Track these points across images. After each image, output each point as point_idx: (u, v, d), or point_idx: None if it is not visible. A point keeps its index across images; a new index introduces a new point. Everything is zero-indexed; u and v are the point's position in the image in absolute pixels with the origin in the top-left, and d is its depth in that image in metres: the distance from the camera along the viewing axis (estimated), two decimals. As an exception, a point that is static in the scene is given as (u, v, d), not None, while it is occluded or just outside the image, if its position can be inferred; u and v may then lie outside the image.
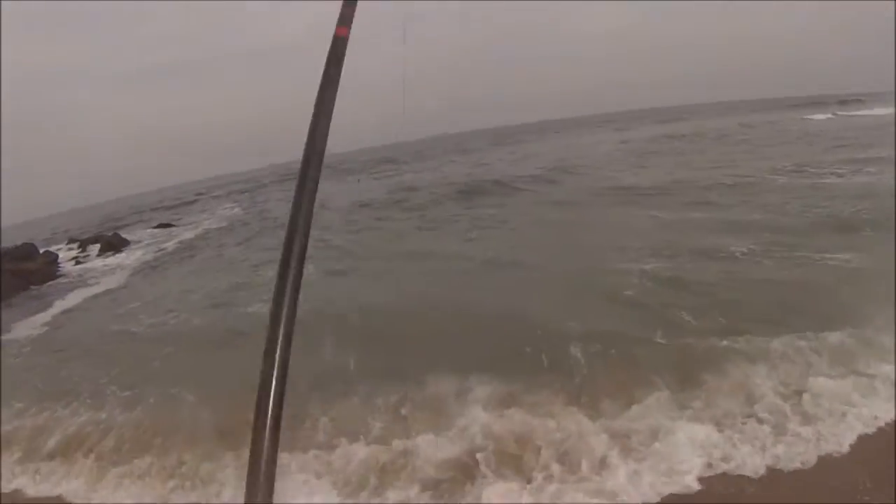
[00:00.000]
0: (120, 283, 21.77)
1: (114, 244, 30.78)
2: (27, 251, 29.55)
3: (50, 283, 25.48)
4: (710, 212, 16.40)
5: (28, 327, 17.17)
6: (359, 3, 1.56)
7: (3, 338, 16.28)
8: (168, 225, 36.68)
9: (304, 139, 1.46)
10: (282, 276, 1.22)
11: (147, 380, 10.10)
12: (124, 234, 34.00)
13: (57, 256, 30.57)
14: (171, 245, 28.67)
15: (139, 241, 32.24)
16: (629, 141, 45.43)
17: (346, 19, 1.52)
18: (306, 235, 1.30)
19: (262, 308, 13.39)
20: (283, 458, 6.42)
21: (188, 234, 30.84)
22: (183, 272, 21.33)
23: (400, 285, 13.47)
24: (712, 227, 14.46)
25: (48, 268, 27.88)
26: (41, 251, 30.61)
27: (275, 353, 1.13)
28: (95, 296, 20.33)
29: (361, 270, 15.92)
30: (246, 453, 1.13)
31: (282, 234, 1.33)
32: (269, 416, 1.10)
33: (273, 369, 1.13)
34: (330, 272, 15.22)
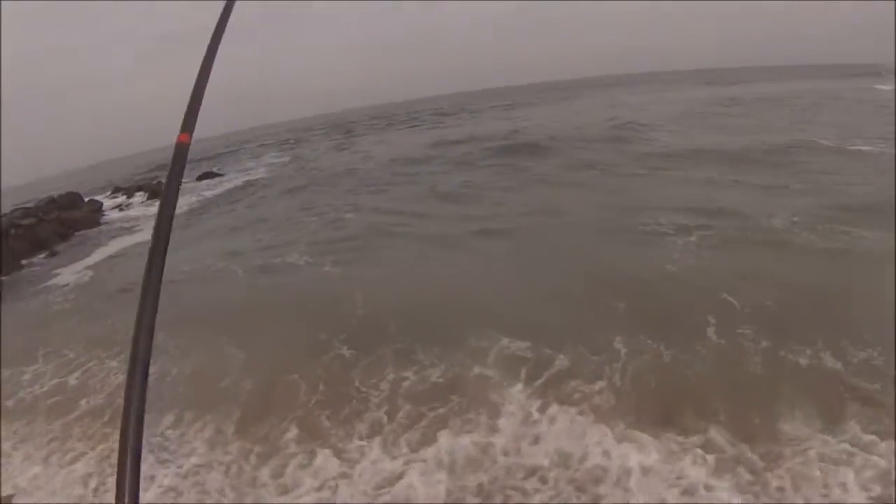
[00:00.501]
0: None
1: (159, 192, 29.98)
2: (72, 200, 29.26)
3: (95, 229, 24.87)
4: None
5: (73, 273, 16.57)
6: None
7: (49, 283, 15.68)
8: (212, 174, 35.80)
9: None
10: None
11: (189, 328, 9.52)
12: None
13: (101, 205, 30.18)
14: (213, 193, 27.83)
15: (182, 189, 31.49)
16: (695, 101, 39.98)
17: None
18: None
19: (303, 259, 13.16)
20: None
21: (232, 184, 29.86)
22: (224, 220, 20.66)
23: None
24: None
25: (93, 216, 27.49)
26: (86, 199, 30.17)
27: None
28: (139, 243, 19.46)
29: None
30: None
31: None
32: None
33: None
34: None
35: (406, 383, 7.26)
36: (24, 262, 20.12)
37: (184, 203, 24.67)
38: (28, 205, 28.97)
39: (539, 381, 6.88)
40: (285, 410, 6.99)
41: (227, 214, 21.86)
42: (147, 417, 1.06)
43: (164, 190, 1.33)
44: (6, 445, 7.36)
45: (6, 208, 28.65)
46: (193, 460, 6.44)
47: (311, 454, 6.22)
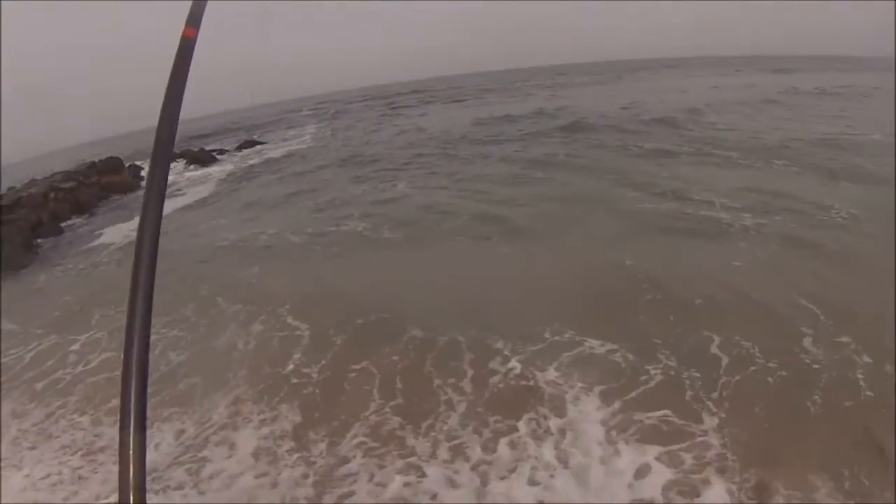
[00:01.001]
0: (206, 195, 20.10)
1: (200, 158, 29.40)
2: (113, 165, 28.72)
3: (136, 193, 24.26)
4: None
5: (117, 234, 15.76)
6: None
7: (94, 243, 14.96)
8: (253, 143, 35.03)
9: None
10: (135, 273, 1.02)
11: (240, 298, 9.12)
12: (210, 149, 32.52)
13: (142, 170, 29.54)
14: (256, 161, 26.98)
15: (223, 157, 30.75)
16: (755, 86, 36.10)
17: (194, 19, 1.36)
18: (157, 232, 1.06)
19: (351, 224, 12.65)
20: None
21: (275, 153, 28.93)
22: (267, 189, 19.70)
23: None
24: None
25: (134, 181, 26.91)
26: (127, 165, 29.63)
27: (132, 350, 0.97)
28: (182, 208, 18.69)
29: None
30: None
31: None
32: (133, 413, 0.94)
33: (132, 367, 0.96)
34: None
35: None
36: (63, 224, 19.61)
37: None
38: (70, 169, 28.66)
39: (623, 402, 5.65)
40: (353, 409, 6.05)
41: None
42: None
43: (165, 94, 1.13)
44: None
45: (46, 172, 28.30)
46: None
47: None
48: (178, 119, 1.17)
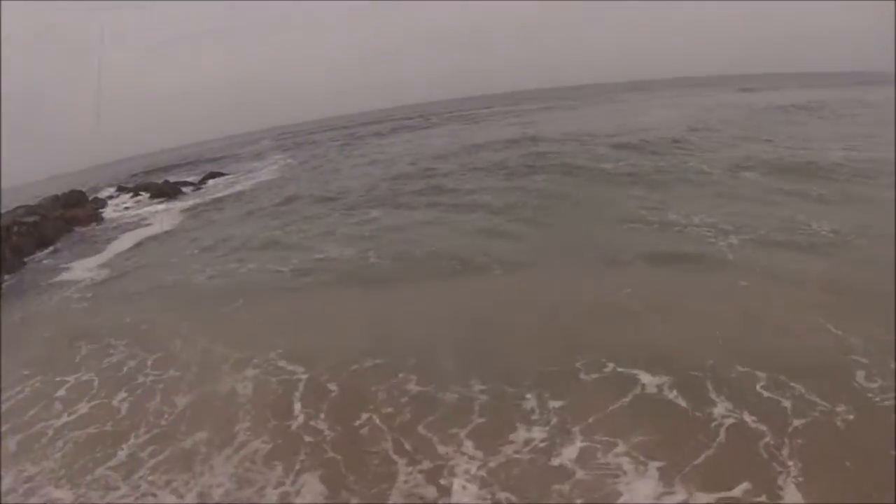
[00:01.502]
0: (171, 227, 20.47)
1: (165, 191, 29.56)
2: (76, 198, 28.82)
3: (100, 226, 24.40)
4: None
5: (83, 269, 15.93)
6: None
7: (61, 277, 15.20)
8: (218, 174, 35.34)
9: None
10: None
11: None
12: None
13: (105, 203, 29.70)
14: (219, 193, 27.29)
15: (187, 189, 30.95)
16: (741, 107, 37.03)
17: None
18: None
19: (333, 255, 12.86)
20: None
21: (239, 186, 29.26)
22: (231, 222, 20.03)
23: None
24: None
25: (97, 213, 26.99)
26: (90, 198, 29.69)
27: None
28: (148, 237, 19.01)
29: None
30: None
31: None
32: None
33: None
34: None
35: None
36: (26, 259, 19.66)
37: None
38: (31, 203, 28.56)
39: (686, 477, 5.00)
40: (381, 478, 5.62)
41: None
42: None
43: None
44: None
45: (8, 206, 28.14)
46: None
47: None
48: None
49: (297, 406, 6.96)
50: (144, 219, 23.79)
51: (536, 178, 18.08)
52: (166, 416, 7.20)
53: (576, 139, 25.01)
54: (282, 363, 8.01)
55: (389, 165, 26.40)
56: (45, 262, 18.63)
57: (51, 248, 21.17)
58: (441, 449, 5.78)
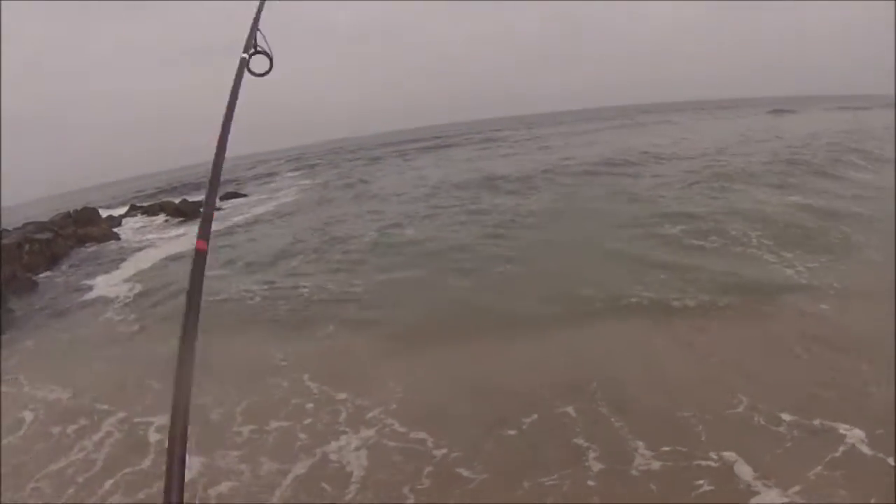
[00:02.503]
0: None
1: (183, 211, 28.12)
2: (89, 215, 27.39)
3: (117, 245, 22.94)
4: None
5: (110, 286, 14.56)
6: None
7: (87, 296, 13.73)
8: (236, 195, 34.06)
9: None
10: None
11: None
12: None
13: (119, 222, 28.35)
14: (243, 215, 25.86)
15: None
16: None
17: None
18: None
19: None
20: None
21: (258, 208, 27.83)
22: (247, 241, 18.85)
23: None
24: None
25: (111, 232, 25.59)
26: (104, 216, 28.31)
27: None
28: (171, 257, 17.69)
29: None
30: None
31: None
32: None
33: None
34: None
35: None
36: (41, 275, 18.23)
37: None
38: (42, 219, 27.21)
39: None
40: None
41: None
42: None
43: (188, 295, 1.31)
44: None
45: (18, 223, 26.69)
46: None
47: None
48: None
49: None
50: (164, 238, 22.35)
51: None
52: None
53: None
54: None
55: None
56: (62, 279, 17.15)
57: (64, 266, 19.76)
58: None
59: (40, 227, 25.27)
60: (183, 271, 14.93)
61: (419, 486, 5.31)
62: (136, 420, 7.09)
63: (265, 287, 11.97)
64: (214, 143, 1.68)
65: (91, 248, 22.73)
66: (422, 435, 6.07)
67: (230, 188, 37.34)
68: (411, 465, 5.61)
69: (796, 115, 55.13)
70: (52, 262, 20.59)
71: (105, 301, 13.11)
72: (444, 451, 5.75)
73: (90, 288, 14.76)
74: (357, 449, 5.98)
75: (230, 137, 1.72)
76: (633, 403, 6.18)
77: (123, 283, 14.70)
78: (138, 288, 13.77)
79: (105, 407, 7.54)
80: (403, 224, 17.04)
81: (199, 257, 1.36)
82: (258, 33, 2.15)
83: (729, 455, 5.11)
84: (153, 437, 6.64)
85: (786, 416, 5.57)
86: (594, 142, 39.99)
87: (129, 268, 17.19)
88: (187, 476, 1.04)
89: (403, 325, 9.30)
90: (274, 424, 6.57)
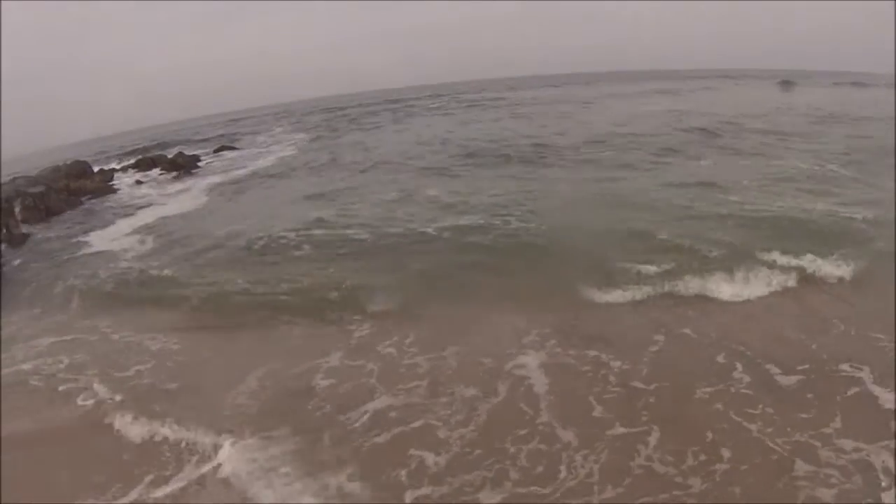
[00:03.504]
0: (195, 205, 18.52)
1: (179, 164, 27.22)
2: (81, 169, 26.61)
3: (112, 198, 22.20)
4: None
5: (112, 240, 14.00)
6: None
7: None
8: (230, 147, 33.20)
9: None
10: None
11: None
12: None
13: (112, 174, 27.45)
14: (245, 168, 25.15)
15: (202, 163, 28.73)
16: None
17: None
18: None
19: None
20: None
21: (262, 161, 27.02)
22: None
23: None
24: None
25: (105, 186, 24.72)
26: (95, 169, 27.41)
27: None
28: (175, 215, 17.11)
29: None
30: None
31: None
32: None
33: None
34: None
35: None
36: (36, 229, 17.61)
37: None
38: (31, 174, 26.29)
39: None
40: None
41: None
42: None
43: None
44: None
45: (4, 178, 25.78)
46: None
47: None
48: None
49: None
50: (167, 194, 21.62)
51: None
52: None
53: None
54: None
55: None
56: (63, 233, 16.56)
57: (65, 221, 19.08)
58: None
59: (30, 181, 24.47)
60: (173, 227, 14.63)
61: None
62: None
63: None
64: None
65: (90, 203, 21.94)
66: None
67: (222, 142, 36.46)
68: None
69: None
70: (48, 215, 19.94)
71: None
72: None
73: (99, 242, 14.34)
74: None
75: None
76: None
77: (125, 236, 14.23)
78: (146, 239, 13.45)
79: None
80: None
81: None
82: None
83: None
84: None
85: None
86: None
87: (128, 222, 16.59)
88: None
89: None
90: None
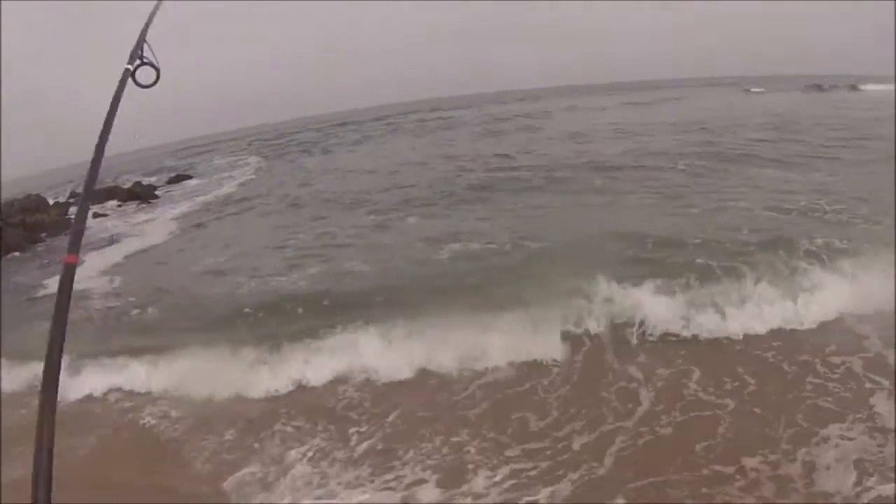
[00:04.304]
0: (161, 239, 18.44)
1: (137, 194, 27.03)
2: (37, 202, 25.99)
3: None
4: None
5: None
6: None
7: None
8: (186, 177, 33.07)
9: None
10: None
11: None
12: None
13: (69, 207, 27.03)
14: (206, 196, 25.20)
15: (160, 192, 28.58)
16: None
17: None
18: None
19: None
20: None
21: (221, 189, 27.12)
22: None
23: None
24: None
25: (63, 220, 24.32)
26: (51, 202, 26.94)
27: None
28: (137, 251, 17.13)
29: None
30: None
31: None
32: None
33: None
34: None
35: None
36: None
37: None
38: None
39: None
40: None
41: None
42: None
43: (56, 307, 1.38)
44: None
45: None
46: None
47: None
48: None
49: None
50: (134, 224, 21.55)
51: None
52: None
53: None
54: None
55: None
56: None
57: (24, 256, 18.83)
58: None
59: (-18, 216, 23.82)
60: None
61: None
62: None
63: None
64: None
65: (49, 240, 21.53)
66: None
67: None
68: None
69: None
70: (7, 252, 19.54)
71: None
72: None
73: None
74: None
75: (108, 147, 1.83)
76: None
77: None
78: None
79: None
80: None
81: (69, 270, 1.42)
82: (145, 45, 2.17)
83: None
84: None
85: None
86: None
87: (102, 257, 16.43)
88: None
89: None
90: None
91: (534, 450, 5.69)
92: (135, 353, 8.59)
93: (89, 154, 1.80)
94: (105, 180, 37.22)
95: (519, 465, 5.49)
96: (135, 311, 11.05)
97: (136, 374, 8.13)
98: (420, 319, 8.14)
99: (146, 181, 31.00)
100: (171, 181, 32.72)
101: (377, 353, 7.64)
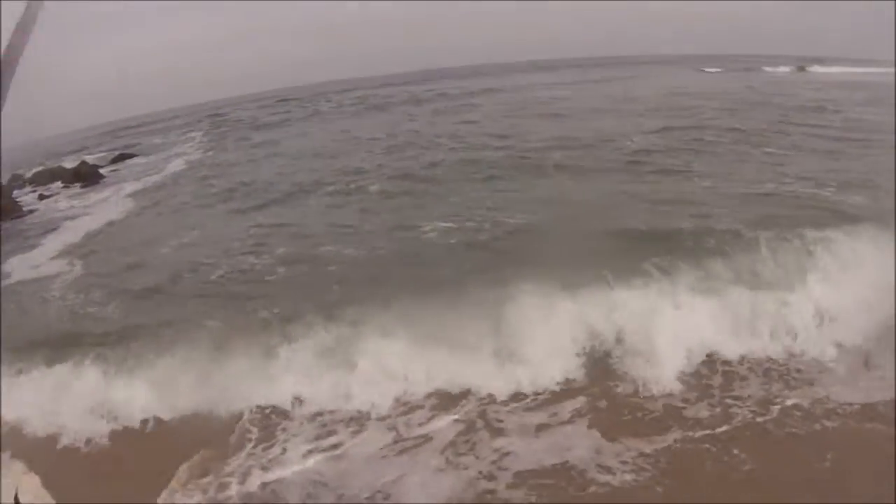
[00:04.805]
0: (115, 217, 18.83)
1: (82, 174, 26.89)
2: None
3: (24, 220, 21.82)
4: None
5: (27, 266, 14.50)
6: None
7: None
8: (129, 155, 32.86)
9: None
10: None
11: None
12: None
13: (12, 190, 26.64)
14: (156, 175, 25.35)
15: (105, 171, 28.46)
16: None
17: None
18: None
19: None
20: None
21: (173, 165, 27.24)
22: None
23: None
24: None
25: (13, 204, 24.10)
26: (-3, 185, 26.56)
27: None
28: (97, 230, 17.52)
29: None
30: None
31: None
32: None
33: None
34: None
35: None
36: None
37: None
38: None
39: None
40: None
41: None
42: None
43: None
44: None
45: None
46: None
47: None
48: None
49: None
50: (88, 205, 21.66)
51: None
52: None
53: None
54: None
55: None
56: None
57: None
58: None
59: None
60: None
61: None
62: None
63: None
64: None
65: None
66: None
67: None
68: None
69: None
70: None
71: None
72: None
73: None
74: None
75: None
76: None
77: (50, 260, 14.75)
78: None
79: None
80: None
81: None
82: None
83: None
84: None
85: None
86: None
87: (46, 245, 16.48)
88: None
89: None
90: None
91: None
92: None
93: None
94: (45, 161, 36.80)
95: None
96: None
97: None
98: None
99: (90, 160, 30.65)
100: (115, 160, 32.45)
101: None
